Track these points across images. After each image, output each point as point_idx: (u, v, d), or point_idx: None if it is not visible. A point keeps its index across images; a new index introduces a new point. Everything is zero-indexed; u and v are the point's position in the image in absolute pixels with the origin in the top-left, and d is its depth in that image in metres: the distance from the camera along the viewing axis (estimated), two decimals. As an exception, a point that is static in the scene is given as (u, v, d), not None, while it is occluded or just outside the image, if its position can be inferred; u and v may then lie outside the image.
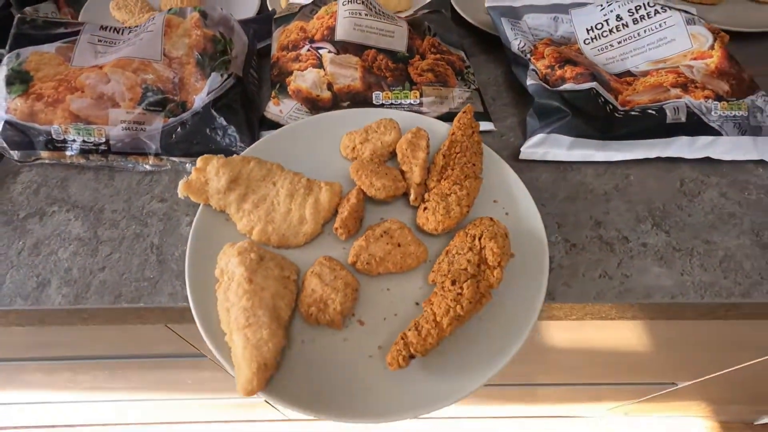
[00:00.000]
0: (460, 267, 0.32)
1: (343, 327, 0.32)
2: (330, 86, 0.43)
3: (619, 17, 0.47)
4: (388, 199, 0.37)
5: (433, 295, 0.31)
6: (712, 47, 0.44)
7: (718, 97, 0.42)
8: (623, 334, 0.56)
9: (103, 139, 0.40)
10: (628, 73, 0.45)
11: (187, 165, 0.42)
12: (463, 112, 0.40)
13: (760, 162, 0.43)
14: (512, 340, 0.31)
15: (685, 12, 0.48)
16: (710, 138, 0.42)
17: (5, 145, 0.40)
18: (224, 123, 0.41)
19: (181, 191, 0.35)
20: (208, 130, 0.41)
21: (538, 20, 0.49)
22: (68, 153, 0.41)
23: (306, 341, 0.32)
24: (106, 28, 0.44)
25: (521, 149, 0.43)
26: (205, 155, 0.36)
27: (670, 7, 0.47)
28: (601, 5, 0.48)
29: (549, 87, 0.43)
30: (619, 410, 1.08)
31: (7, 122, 0.39)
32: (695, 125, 0.41)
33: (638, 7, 0.46)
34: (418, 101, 0.44)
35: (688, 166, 0.43)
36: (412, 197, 0.37)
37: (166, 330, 0.48)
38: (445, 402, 0.29)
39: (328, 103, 0.43)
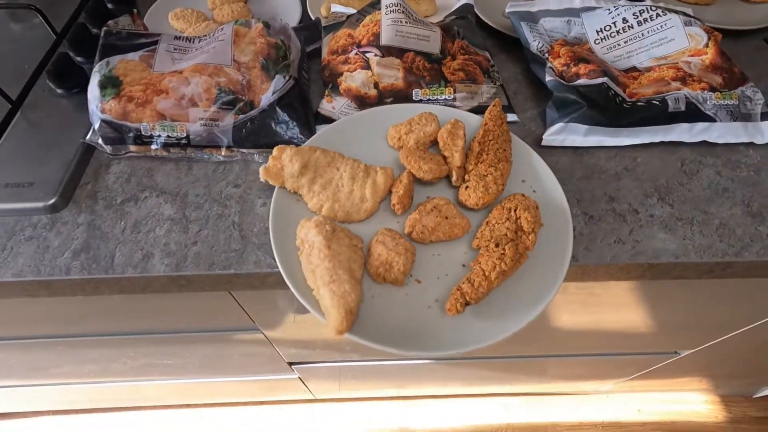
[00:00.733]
0: (500, 233, 0.39)
1: (404, 284, 0.39)
2: (376, 85, 0.50)
3: (625, 20, 0.53)
4: (433, 181, 0.44)
5: (480, 256, 0.38)
6: (706, 45, 0.51)
7: (713, 89, 0.48)
8: (627, 306, 0.63)
9: (184, 134, 0.47)
10: (634, 68, 0.52)
11: (255, 156, 0.48)
12: (493, 106, 0.47)
13: (750, 144, 0.50)
14: (545, 292, 0.38)
15: (683, 14, 0.55)
16: (706, 124, 0.48)
17: (101, 141, 0.47)
18: (287, 119, 0.48)
19: (261, 175, 0.42)
20: (273, 125, 0.48)
21: (553, 23, 0.56)
22: (153, 147, 0.47)
23: (375, 296, 0.38)
24: (180, 38, 0.51)
25: (543, 137, 0.49)
26: (280, 145, 0.43)
27: (669, 10, 0.54)
28: (609, 9, 0.54)
29: (565, 82, 0.50)
30: (623, 386, 1.14)
31: (103, 121, 0.46)
32: (693, 113, 0.48)
33: (642, 11, 0.53)
34: (452, 97, 0.50)
35: (687, 149, 0.50)
36: (454, 178, 0.44)
37: (225, 302, 0.55)
38: (491, 340, 0.35)
39: (375, 100, 0.50)
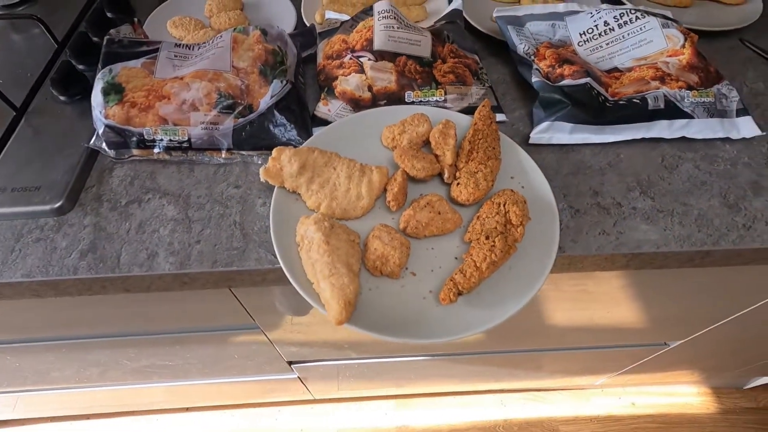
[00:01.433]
0: (491, 227, 0.41)
1: (400, 277, 0.41)
2: (370, 88, 0.52)
3: (606, 23, 0.56)
4: (426, 178, 0.46)
5: (471, 249, 0.40)
6: (683, 46, 0.53)
7: (690, 87, 0.51)
8: (618, 299, 0.65)
9: (186, 138, 0.48)
10: (616, 69, 0.55)
11: (255, 157, 0.50)
12: (483, 106, 0.49)
13: (726, 139, 0.52)
14: (533, 282, 0.40)
15: (663, 17, 0.57)
16: (685, 121, 0.51)
17: (105, 145, 0.48)
18: (285, 121, 0.49)
19: (262, 176, 0.44)
20: (271, 128, 0.49)
21: (539, 27, 0.58)
22: (155, 150, 0.49)
23: (372, 288, 0.40)
24: (180, 45, 0.53)
25: (530, 135, 0.51)
26: (279, 147, 0.45)
27: (648, 13, 0.56)
28: (591, 13, 0.57)
29: (551, 83, 0.52)
30: (617, 380, 1.17)
31: (107, 126, 0.48)
32: (672, 111, 0.50)
33: (622, 14, 0.55)
34: (443, 98, 0.52)
35: (667, 145, 0.52)
36: (446, 176, 0.46)
37: (227, 302, 0.57)
38: (482, 327, 0.37)
39: (369, 102, 0.52)
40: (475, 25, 0.63)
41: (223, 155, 0.50)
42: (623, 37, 0.55)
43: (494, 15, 0.59)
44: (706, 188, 0.49)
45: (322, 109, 0.52)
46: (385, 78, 0.51)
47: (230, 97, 0.49)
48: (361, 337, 0.72)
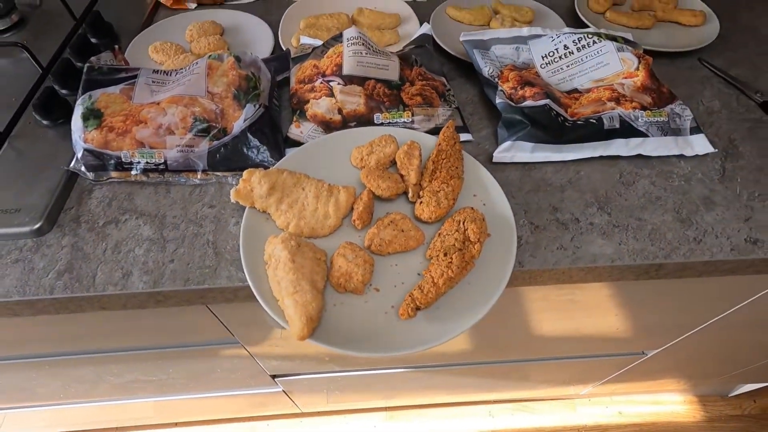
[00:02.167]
0: (449, 243, 0.43)
1: (363, 293, 0.42)
2: (340, 111, 0.54)
3: (566, 46, 0.59)
4: (391, 197, 0.48)
5: (431, 265, 0.42)
6: (637, 68, 0.56)
7: (643, 108, 0.53)
8: (596, 309, 0.67)
9: (162, 160, 0.51)
10: (576, 90, 0.57)
11: (229, 178, 0.52)
12: (447, 127, 0.51)
13: (681, 156, 0.55)
14: (490, 296, 0.41)
15: (623, 39, 0.60)
16: (640, 139, 0.53)
17: (83, 168, 0.50)
18: (258, 143, 0.52)
19: (232, 197, 0.46)
20: (245, 150, 0.52)
21: (503, 50, 0.61)
22: (133, 172, 0.51)
23: (337, 304, 0.42)
24: (158, 71, 0.55)
25: (494, 154, 0.54)
26: (250, 169, 0.47)
27: (607, 36, 0.59)
28: (552, 37, 0.60)
29: (513, 104, 0.55)
30: (603, 389, 1.18)
31: (86, 150, 0.50)
32: (627, 130, 0.53)
33: (580, 38, 0.58)
34: (410, 120, 0.55)
35: (625, 162, 0.55)
36: (410, 195, 0.48)
37: (205, 317, 0.58)
38: (441, 340, 0.39)
39: (339, 124, 0.54)
40: (445, 48, 0.65)
41: (199, 176, 0.52)
42: (582, 60, 0.58)
43: (461, 39, 0.62)
44: (660, 203, 0.51)
45: (295, 131, 0.55)
46: (354, 101, 0.54)
47: (205, 121, 0.51)
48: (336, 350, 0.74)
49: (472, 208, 0.45)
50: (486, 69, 0.58)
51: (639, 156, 0.54)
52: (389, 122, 0.55)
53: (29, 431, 1.17)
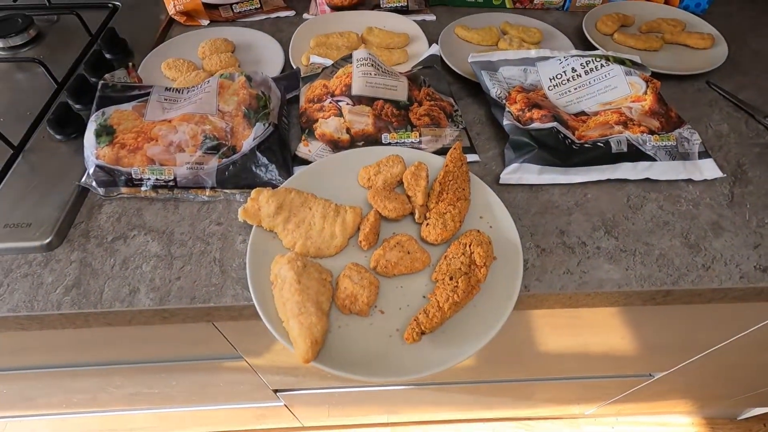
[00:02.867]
0: (455, 267, 0.43)
1: (368, 315, 0.42)
2: (348, 130, 0.55)
3: (573, 69, 0.59)
4: (398, 218, 0.48)
5: (436, 289, 0.42)
6: (645, 92, 0.56)
7: (651, 132, 0.53)
8: (604, 330, 0.66)
9: (172, 177, 0.51)
10: (583, 113, 0.57)
11: (237, 196, 0.53)
12: (454, 149, 0.52)
13: (689, 180, 0.55)
14: (496, 320, 0.41)
15: (631, 62, 0.60)
16: (648, 163, 0.53)
17: (95, 183, 0.51)
18: (266, 162, 0.52)
19: (240, 216, 0.46)
20: (253, 168, 0.52)
21: (511, 72, 0.61)
22: (143, 189, 0.52)
23: (342, 326, 0.42)
24: (170, 89, 0.56)
25: (501, 175, 0.54)
26: (258, 188, 0.47)
27: (615, 59, 0.60)
28: (560, 59, 0.60)
29: (521, 126, 0.55)
30: (609, 409, 1.16)
31: (97, 166, 0.50)
32: (635, 154, 0.53)
33: (588, 62, 0.59)
34: (418, 140, 0.55)
35: (633, 185, 0.54)
36: (416, 216, 0.48)
37: (209, 332, 0.58)
38: (446, 365, 0.39)
39: (347, 144, 0.55)
40: (454, 68, 0.66)
41: (207, 193, 0.52)
42: (589, 83, 0.58)
43: (469, 60, 0.62)
44: (668, 228, 0.51)
45: (303, 149, 0.55)
46: (363, 121, 0.54)
47: (215, 139, 0.52)
48: (340, 374, 0.73)
49: (479, 231, 0.45)
50: (494, 90, 0.59)
51: (646, 180, 0.54)
52: (397, 142, 0.55)
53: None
